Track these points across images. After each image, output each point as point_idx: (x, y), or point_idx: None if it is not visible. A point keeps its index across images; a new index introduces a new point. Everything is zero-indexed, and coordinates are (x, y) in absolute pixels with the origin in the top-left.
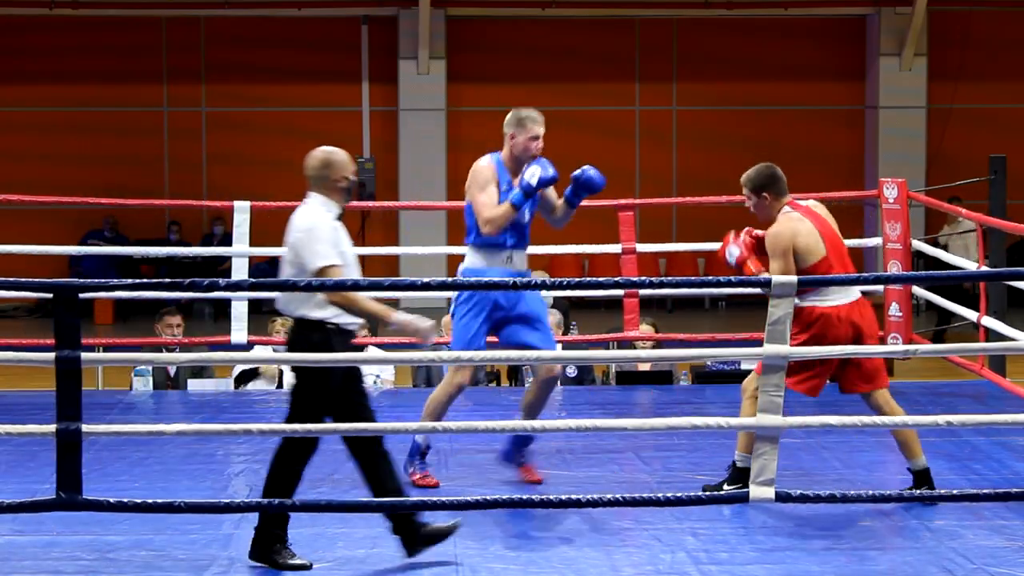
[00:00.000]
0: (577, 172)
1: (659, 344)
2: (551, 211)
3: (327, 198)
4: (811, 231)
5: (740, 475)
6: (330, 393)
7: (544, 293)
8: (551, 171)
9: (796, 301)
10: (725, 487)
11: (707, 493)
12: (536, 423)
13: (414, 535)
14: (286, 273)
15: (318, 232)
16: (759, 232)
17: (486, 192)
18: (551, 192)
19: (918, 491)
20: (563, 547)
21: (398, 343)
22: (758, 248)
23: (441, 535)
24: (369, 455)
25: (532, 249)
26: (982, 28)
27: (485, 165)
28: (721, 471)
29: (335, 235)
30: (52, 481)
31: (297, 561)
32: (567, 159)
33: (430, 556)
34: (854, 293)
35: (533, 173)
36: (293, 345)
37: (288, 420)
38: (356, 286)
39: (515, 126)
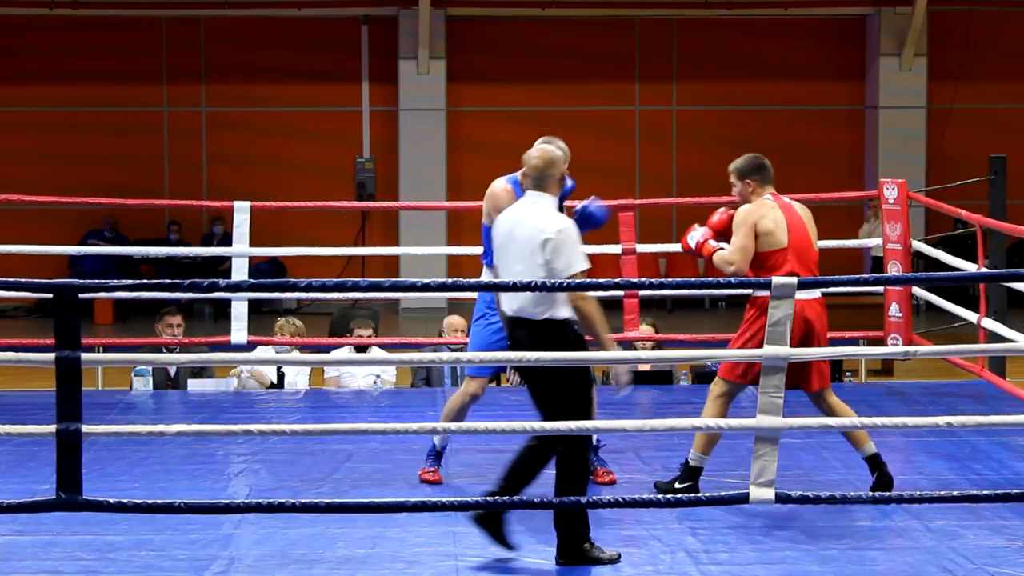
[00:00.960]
0: (580, 206)
1: (659, 345)
2: None
3: (552, 196)
4: (778, 219)
5: (691, 474)
6: (589, 386)
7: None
8: (603, 215)
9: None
10: (676, 485)
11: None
12: (536, 424)
13: (574, 546)
14: (521, 272)
15: (571, 234)
16: (722, 213)
17: None
18: None
19: (874, 478)
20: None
21: (399, 343)
22: (721, 232)
23: (599, 559)
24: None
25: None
26: (982, 28)
27: (502, 188)
28: (720, 471)
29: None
30: (52, 481)
31: (606, 555)
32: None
33: (429, 556)
34: (814, 291)
35: (590, 212)
36: (542, 347)
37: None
38: (356, 287)
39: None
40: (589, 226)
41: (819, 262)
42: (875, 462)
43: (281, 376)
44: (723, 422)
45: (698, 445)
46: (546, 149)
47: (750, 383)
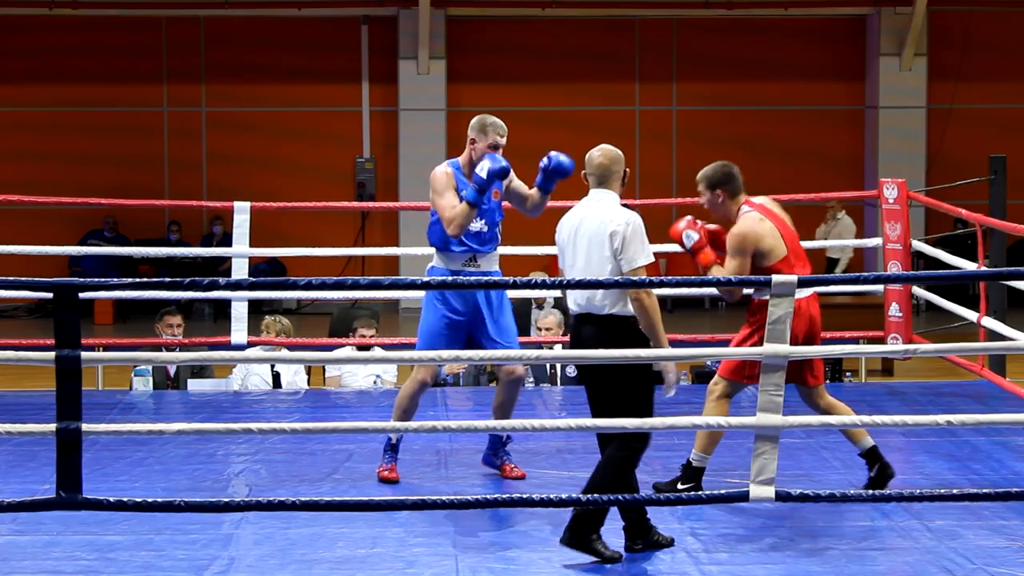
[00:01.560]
0: (544, 160)
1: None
2: (523, 202)
3: (615, 193)
4: (773, 232)
5: (694, 474)
6: (651, 381)
7: (544, 293)
8: (502, 163)
9: (756, 294)
10: (679, 486)
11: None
12: (535, 422)
13: (642, 531)
14: (583, 267)
15: (639, 228)
16: (713, 227)
17: (445, 196)
18: (521, 185)
19: (873, 472)
20: (563, 547)
21: (399, 343)
22: (711, 241)
23: (660, 544)
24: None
25: (531, 250)
26: (982, 28)
27: (442, 171)
28: (720, 470)
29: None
30: (52, 481)
31: (609, 553)
32: None
33: (429, 556)
34: (811, 288)
35: (482, 167)
36: (606, 344)
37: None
38: (356, 285)
39: (478, 131)
40: (559, 176)
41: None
42: (873, 455)
43: (276, 376)
44: (723, 420)
45: (700, 445)
46: (608, 147)
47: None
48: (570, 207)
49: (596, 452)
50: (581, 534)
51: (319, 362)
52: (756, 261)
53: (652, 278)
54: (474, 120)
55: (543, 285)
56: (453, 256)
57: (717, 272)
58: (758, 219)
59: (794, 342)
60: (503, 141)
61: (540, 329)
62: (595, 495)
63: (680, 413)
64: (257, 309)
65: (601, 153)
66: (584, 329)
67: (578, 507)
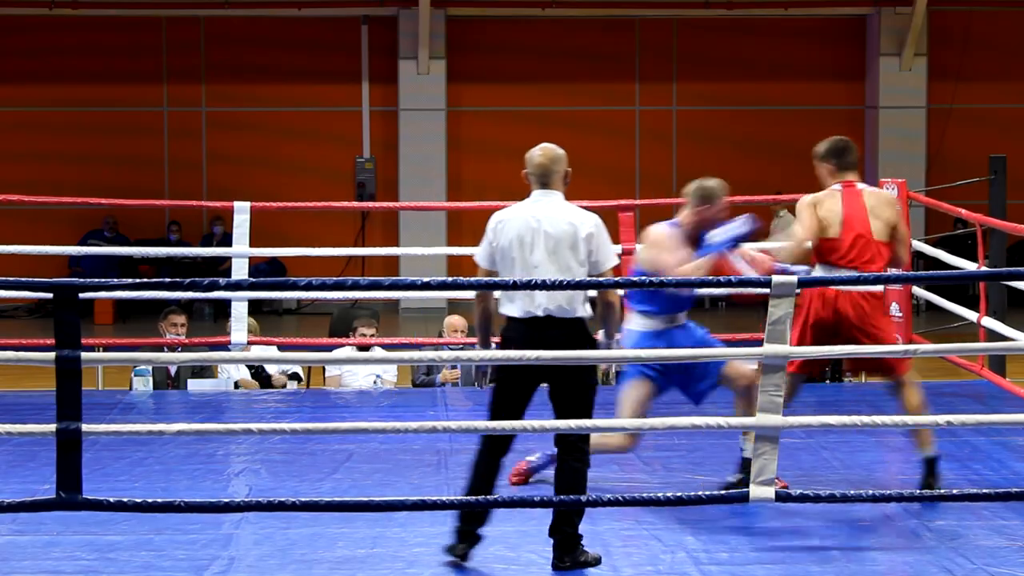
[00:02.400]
0: (734, 230)
1: None
2: None
3: (561, 193)
4: (833, 209)
5: (747, 466)
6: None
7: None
8: (749, 225)
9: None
10: (729, 479)
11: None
12: (536, 423)
13: (571, 547)
14: (555, 271)
15: (604, 228)
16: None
17: (676, 254)
18: None
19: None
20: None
21: (399, 343)
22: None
23: (588, 564)
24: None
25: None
26: (982, 28)
27: (667, 233)
28: (721, 470)
29: None
30: (52, 481)
31: (590, 556)
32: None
33: (430, 556)
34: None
35: (729, 229)
36: (574, 346)
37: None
38: (356, 286)
39: (699, 200)
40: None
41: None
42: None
43: (267, 378)
44: (723, 420)
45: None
46: (549, 147)
47: (807, 375)
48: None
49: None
50: (571, 550)
51: (319, 362)
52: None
53: (654, 278)
54: (693, 189)
55: (543, 286)
56: (655, 316)
57: (783, 253)
58: (827, 193)
59: (823, 331)
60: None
61: None
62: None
63: (680, 413)
64: (257, 309)
65: (542, 153)
66: (550, 333)
67: (558, 533)
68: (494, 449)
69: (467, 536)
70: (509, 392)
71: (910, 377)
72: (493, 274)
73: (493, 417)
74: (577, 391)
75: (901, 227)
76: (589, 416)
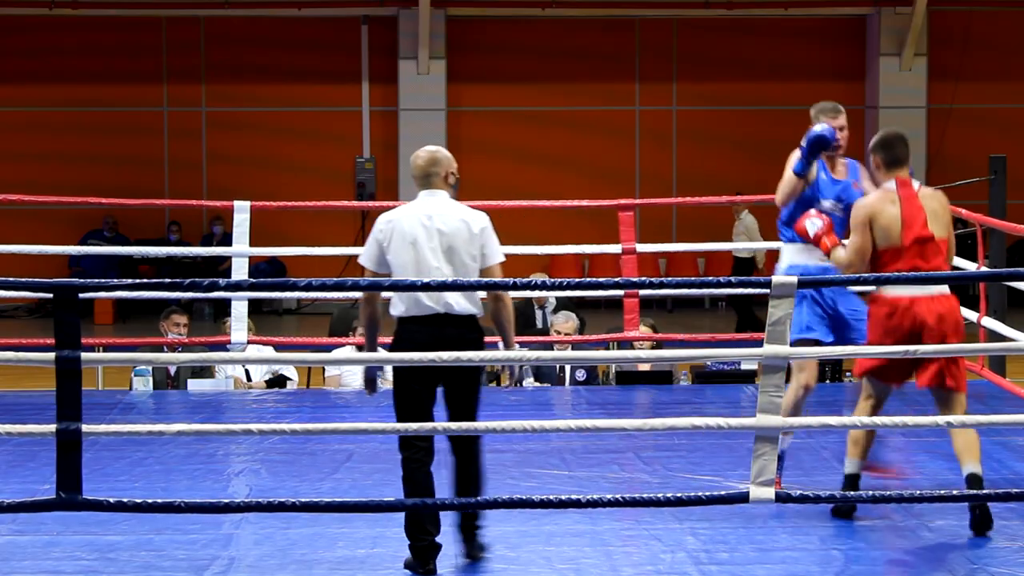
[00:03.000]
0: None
1: (659, 344)
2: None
3: (447, 193)
4: (893, 215)
5: (850, 482)
6: None
7: (544, 293)
8: (818, 129)
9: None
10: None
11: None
12: (536, 423)
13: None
14: (450, 269)
15: (492, 227)
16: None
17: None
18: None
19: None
20: (563, 547)
21: None
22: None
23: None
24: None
25: (531, 249)
26: (982, 28)
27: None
28: (720, 471)
29: None
30: (52, 481)
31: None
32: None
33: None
34: (933, 288)
35: (805, 136)
36: (469, 343)
37: (469, 419)
38: (356, 286)
39: (813, 116)
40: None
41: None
42: (973, 481)
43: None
44: (723, 421)
45: (851, 451)
46: (430, 150)
47: (887, 382)
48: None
49: (597, 452)
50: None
51: (319, 362)
52: (876, 242)
53: (653, 279)
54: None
55: (543, 286)
56: (809, 249)
57: (838, 253)
58: (885, 198)
59: (900, 341)
60: (839, 122)
61: (559, 332)
62: (594, 496)
63: (680, 413)
64: (257, 309)
65: (422, 155)
66: (447, 330)
67: (469, 530)
68: (415, 455)
69: (429, 549)
70: (412, 395)
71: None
72: (380, 275)
73: (399, 419)
74: (472, 390)
75: (951, 228)
76: (475, 414)
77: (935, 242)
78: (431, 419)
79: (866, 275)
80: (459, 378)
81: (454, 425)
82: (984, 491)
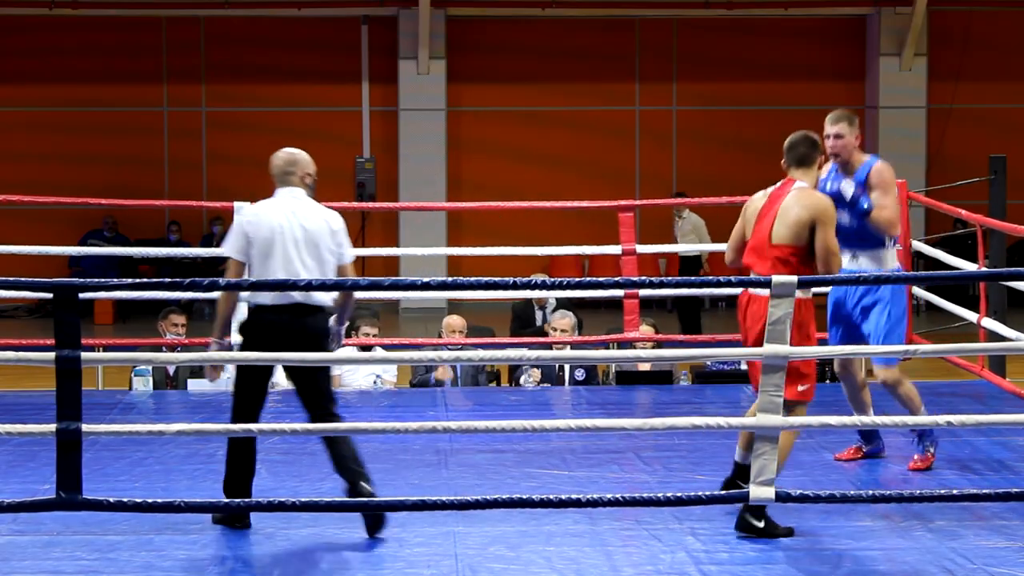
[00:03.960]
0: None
1: (659, 344)
2: None
3: (303, 191)
4: (753, 211)
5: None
6: None
7: (544, 293)
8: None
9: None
10: None
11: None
12: (536, 423)
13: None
14: (313, 265)
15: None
16: None
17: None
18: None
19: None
20: (563, 547)
21: (400, 344)
22: None
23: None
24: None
25: (531, 250)
26: (982, 28)
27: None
28: (720, 470)
29: None
30: (52, 481)
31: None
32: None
33: (429, 556)
34: (759, 290)
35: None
36: (319, 332)
37: (328, 403)
38: (356, 286)
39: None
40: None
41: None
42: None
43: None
44: (723, 420)
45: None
46: (288, 151)
47: None
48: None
49: (597, 452)
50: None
51: (319, 362)
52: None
53: (653, 279)
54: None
55: (543, 286)
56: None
57: (888, 216)
58: (764, 191)
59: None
60: (831, 129)
61: (556, 330)
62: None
63: (680, 413)
64: None
65: (279, 157)
66: (308, 320)
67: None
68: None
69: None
70: (254, 378)
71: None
72: (241, 264)
73: (238, 401)
74: (323, 378)
75: (821, 234)
76: (329, 391)
77: (771, 246)
78: (265, 395)
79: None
80: (310, 369)
81: (453, 424)
82: (984, 491)
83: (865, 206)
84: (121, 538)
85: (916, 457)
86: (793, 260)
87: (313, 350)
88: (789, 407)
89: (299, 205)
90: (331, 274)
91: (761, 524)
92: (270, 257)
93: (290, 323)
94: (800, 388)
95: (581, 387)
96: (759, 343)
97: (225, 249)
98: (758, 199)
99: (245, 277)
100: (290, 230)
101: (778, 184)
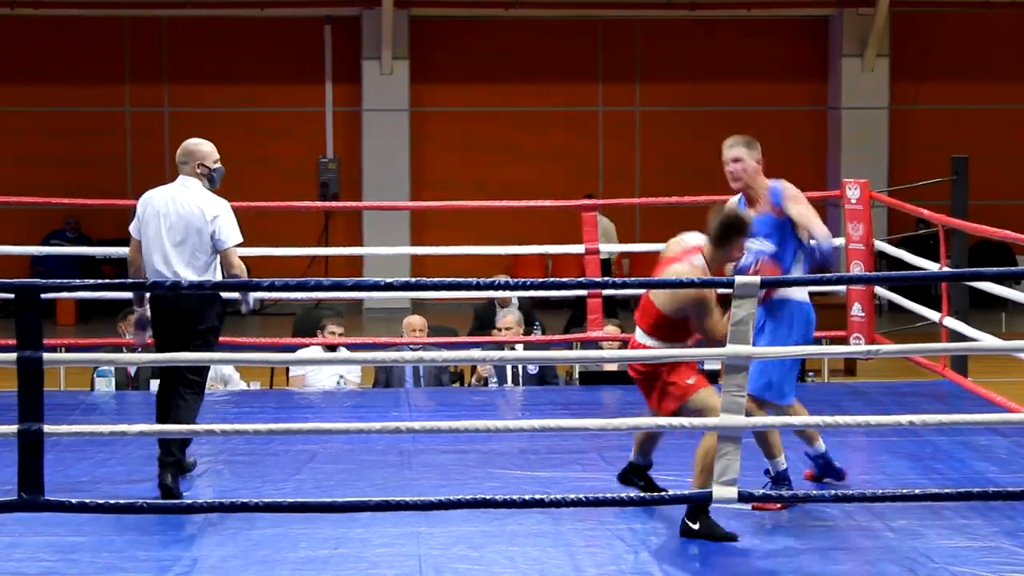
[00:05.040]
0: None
1: (625, 344)
2: None
3: (199, 181)
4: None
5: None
6: None
7: (507, 294)
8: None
9: None
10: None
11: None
12: (499, 423)
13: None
14: (192, 249)
15: (230, 213)
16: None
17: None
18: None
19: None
20: (527, 547)
21: (361, 343)
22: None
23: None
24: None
25: (494, 249)
26: (944, 29)
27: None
28: (682, 470)
29: None
30: (13, 482)
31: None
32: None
33: (393, 556)
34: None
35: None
36: (202, 307)
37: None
38: (319, 286)
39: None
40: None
41: None
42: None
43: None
44: (686, 421)
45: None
46: (191, 141)
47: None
48: None
49: (561, 452)
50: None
51: (282, 363)
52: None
53: (616, 279)
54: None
55: (506, 287)
56: None
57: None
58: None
59: None
60: (728, 154)
61: (500, 329)
62: (557, 496)
63: (643, 414)
64: None
65: (182, 146)
66: (186, 299)
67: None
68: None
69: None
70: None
71: None
72: (138, 242)
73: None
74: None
75: (696, 323)
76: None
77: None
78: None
79: (829, 275)
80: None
81: (416, 425)
82: (946, 491)
83: (818, 255)
84: (83, 539)
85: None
86: (671, 323)
87: (183, 326)
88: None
89: (181, 193)
90: (203, 258)
91: (696, 526)
92: (148, 236)
93: (164, 299)
94: (689, 381)
95: (545, 387)
96: (654, 398)
97: (130, 228)
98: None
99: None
100: (165, 215)
101: (686, 245)
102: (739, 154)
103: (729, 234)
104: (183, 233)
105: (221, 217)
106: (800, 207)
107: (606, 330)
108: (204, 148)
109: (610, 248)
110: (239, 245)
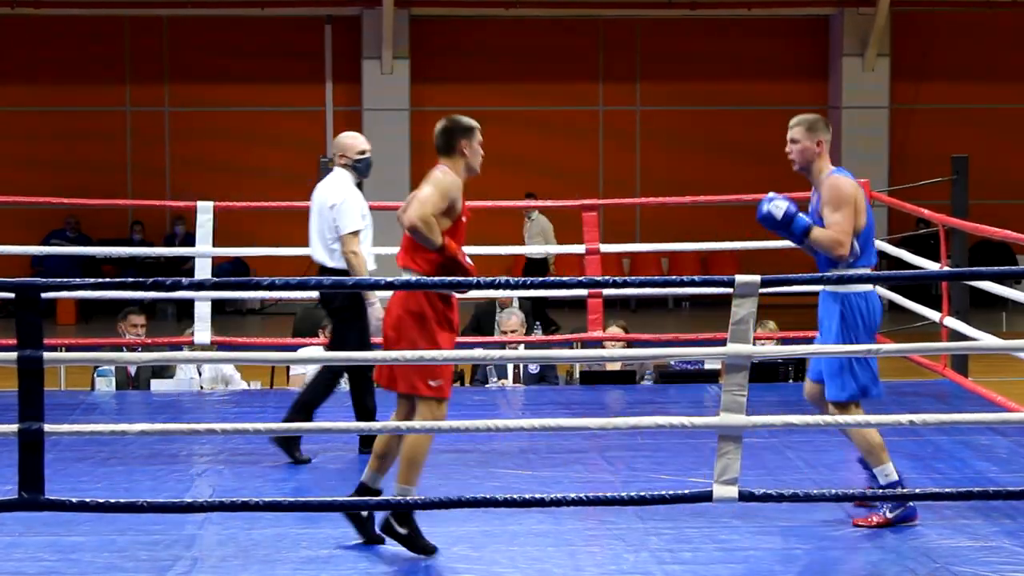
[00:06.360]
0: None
1: (628, 345)
2: None
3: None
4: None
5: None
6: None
7: (507, 294)
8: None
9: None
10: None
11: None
12: (499, 423)
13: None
14: (315, 229)
15: (353, 202)
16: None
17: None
18: None
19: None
20: (527, 547)
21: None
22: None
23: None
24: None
25: (495, 250)
26: (945, 28)
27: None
28: (684, 470)
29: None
30: (14, 482)
31: None
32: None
33: (393, 556)
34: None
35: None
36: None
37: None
38: (319, 286)
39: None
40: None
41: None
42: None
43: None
44: (687, 420)
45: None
46: (343, 134)
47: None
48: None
49: (561, 452)
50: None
51: (282, 363)
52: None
53: (616, 279)
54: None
55: (507, 285)
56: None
57: (831, 235)
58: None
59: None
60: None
61: (504, 331)
62: (558, 496)
63: (643, 413)
64: (220, 309)
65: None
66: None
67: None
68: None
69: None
70: None
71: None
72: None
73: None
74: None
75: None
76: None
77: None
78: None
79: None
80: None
81: (417, 424)
82: (946, 490)
83: (804, 224)
84: (84, 539)
85: (873, 517)
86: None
87: (325, 308)
88: (423, 403)
89: (324, 183)
90: (332, 243)
91: (404, 531)
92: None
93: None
94: (432, 383)
95: (545, 387)
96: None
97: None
98: None
99: None
100: (313, 203)
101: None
102: (796, 135)
103: (450, 139)
104: (317, 220)
105: (339, 206)
106: (835, 216)
107: (611, 331)
108: (346, 140)
109: (545, 249)
110: (354, 233)
